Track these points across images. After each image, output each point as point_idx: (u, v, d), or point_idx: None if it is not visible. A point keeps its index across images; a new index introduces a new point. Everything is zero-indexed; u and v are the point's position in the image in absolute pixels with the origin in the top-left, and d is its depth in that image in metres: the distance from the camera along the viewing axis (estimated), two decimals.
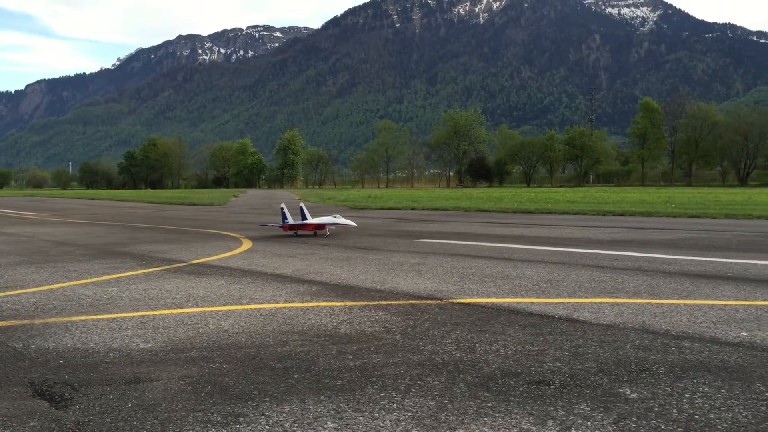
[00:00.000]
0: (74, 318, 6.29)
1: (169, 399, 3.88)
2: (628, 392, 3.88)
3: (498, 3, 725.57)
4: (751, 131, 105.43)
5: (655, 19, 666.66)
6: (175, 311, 6.57)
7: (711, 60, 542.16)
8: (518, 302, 6.80)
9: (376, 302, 6.93)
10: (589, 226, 18.05)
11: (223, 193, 71.27)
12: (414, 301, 6.95)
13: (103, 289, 8.10)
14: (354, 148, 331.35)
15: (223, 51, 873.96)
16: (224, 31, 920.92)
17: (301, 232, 15.88)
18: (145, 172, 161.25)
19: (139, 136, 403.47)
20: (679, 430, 3.31)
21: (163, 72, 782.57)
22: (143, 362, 4.70)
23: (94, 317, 6.32)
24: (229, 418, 3.58)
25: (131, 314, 6.43)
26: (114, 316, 6.38)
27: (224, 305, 6.87)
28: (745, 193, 45.50)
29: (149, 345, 5.20)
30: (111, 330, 5.75)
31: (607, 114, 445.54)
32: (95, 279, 8.98)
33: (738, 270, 9.01)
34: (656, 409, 3.60)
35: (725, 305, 6.49)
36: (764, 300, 6.75)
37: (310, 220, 15.72)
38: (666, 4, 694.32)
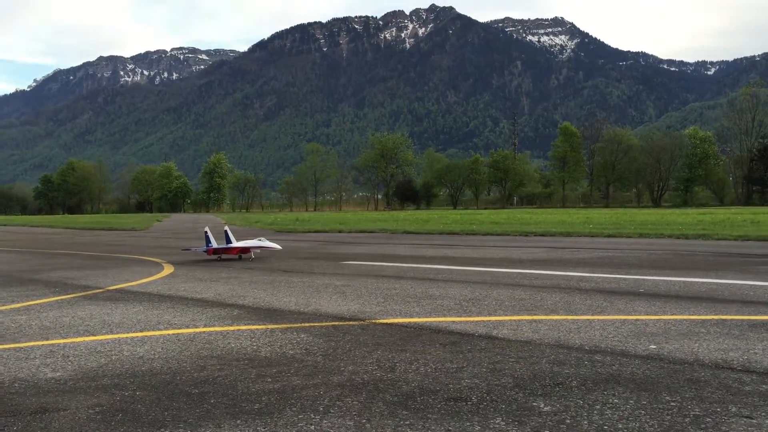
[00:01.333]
0: None
1: (77, 429, 3.72)
2: (542, 405, 3.97)
3: (423, 29, 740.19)
4: (663, 154, 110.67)
5: (573, 47, 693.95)
6: (87, 339, 6.33)
7: (625, 86, 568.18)
8: (440, 321, 6.87)
9: (298, 324, 6.86)
10: (512, 247, 18.47)
11: (145, 218, 69.39)
12: (337, 323, 6.92)
13: (10, 317, 7.72)
14: (282, 171, 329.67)
15: (146, 73, 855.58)
16: (147, 53, 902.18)
17: (225, 256, 15.62)
18: (63, 196, 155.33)
19: (57, 160, 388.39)
20: None
21: (82, 94, 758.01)
22: (51, 392, 4.50)
23: None
24: None
25: (40, 343, 6.16)
26: (21, 345, 6.09)
27: (140, 331, 6.66)
28: (659, 214, 47.59)
29: (58, 374, 4.98)
30: (17, 359, 5.49)
31: (530, 138, 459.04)
32: (3, 307, 8.56)
33: (649, 286, 9.38)
34: (568, 421, 3.70)
35: (636, 320, 6.74)
36: (672, 314, 7.05)
37: (235, 244, 15.48)
38: (583, 33, 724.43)
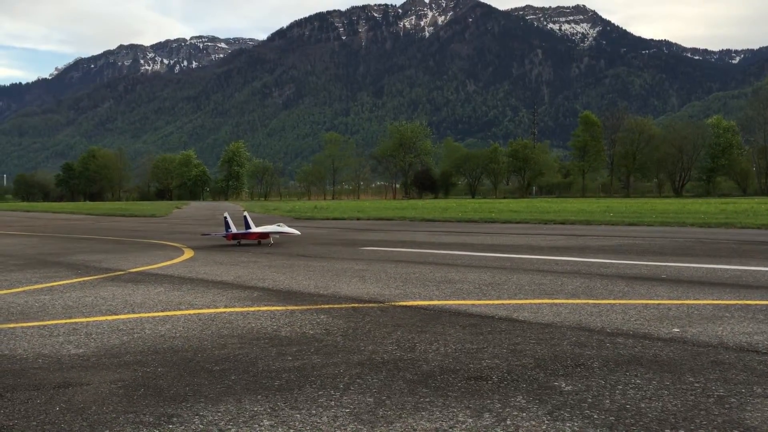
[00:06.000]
0: (2, 326, 6.05)
1: (100, 402, 3.76)
2: (563, 385, 3.94)
3: (443, 17, 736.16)
4: (686, 144, 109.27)
5: (594, 35, 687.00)
6: (110, 318, 6.39)
7: (648, 75, 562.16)
8: (459, 304, 6.85)
9: (318, 306, 6.88)
10: (531, 234, 18.37)
11: (165, 205, 69.90)
12: (356, 305, 6.93)
13: (34, 297, 7.82)
14: (300, 160, 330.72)
15: (166, 61, 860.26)
16: (167, 42, 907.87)
17: (244, 242, 15.67)
18: (84, 184, 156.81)
19: (78, 148, 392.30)
20: (610, 419, 3.38)
21: (103, 82, 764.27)
22: (74, 367, 4.55)
23: (23, 325, 6.09)
24: (162, 418, 3.49)
25: (63, 321, 6.23)
26: (45, 323, 6.16)
27: (162, 311, 6.71)
28: (680, 203, 47.08)
29: (81, 350, 5.03)
30: (41, 337, 5.55)
31: (549, 127, 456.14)
32: (27, 288, 8.67)
33: (672, 272, 9.29)
34: (589, 400, 3.67)
35: (659, 304, 6.67)
36: (696, 299, 6.97)
37: (254, 229, 15.54)
38: (605, 21, 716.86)
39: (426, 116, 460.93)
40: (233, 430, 3.32)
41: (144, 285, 8.74)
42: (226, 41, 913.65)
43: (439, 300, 7.15)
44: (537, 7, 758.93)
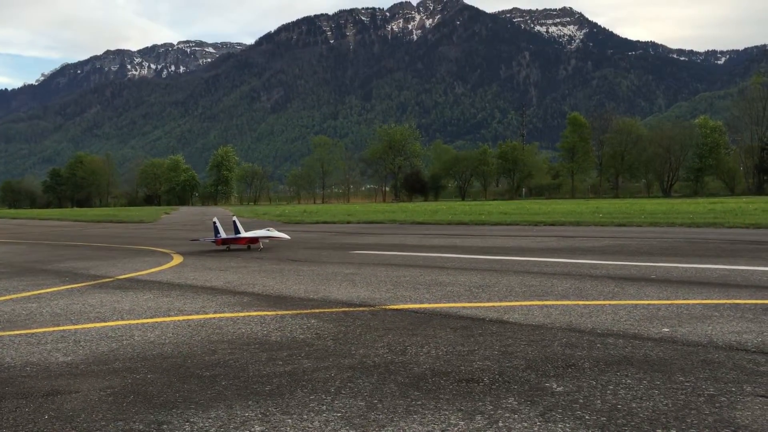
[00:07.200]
0: None
1: (89, 410, 3.73)
2: (555, 386, 3.95)
3: (430, 20, 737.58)
4: (673, 144, 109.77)
5: (581, 37, 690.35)
6: (98, 325, 6.34)
7: (635, 77, 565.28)
8: (450, 307, 6.85)
9: (308, 311, 6.86)
10: (521, 236, 18.41)
11: (154, 211, 69.53)
12: (347, 309, 6.91)
13: (22, 305, 7.76)
14: (289, 164, 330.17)
15: (153, 66, 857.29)
16: (154, 47, 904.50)
17: (234, 246, 15.62)
18: (71, 190, 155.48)
19: (66, 154, 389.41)
20: (602, 419, 3.39)
21: (90, 88, 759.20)
22: (62, 375, 4.51)
23: (10, 333, 6.04)
24: (152, 426, 3.46)
25: (51, 329, 6.18)
26: (33, 331, 6.11)
27: (151, 317, 6.67)
28: (669, 203, 47.31)
29: (69, 358, 4.99)
30: (29, 345, 5.51)
31: (538, 129, 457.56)
32: (14, 296, 8.60)
33: (661, 273, 9.32)
34: (581, 400, 3.67)
35: (648, 304, 6.70)
36: (685, 299, 7.00)
37: (243, 234, 15.48)
38: (591, 23, 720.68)
39: (415, 119, 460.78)
40: None
41: (133, 291, 8.69)
42: (214, 46, 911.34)
43: (429, 303, 7.14)
44: (524, 10, 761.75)
